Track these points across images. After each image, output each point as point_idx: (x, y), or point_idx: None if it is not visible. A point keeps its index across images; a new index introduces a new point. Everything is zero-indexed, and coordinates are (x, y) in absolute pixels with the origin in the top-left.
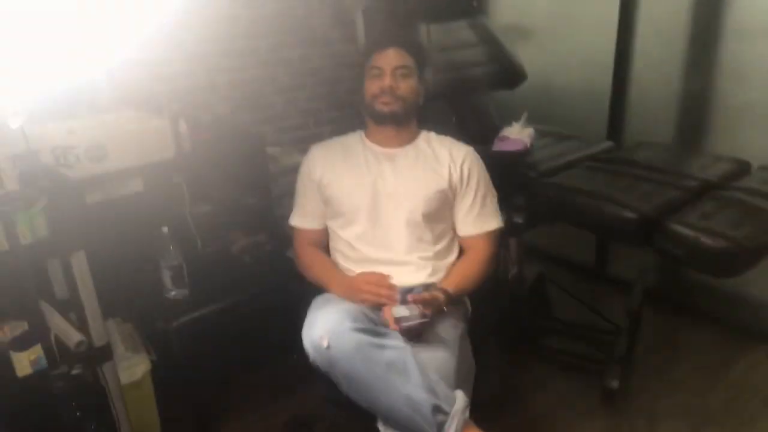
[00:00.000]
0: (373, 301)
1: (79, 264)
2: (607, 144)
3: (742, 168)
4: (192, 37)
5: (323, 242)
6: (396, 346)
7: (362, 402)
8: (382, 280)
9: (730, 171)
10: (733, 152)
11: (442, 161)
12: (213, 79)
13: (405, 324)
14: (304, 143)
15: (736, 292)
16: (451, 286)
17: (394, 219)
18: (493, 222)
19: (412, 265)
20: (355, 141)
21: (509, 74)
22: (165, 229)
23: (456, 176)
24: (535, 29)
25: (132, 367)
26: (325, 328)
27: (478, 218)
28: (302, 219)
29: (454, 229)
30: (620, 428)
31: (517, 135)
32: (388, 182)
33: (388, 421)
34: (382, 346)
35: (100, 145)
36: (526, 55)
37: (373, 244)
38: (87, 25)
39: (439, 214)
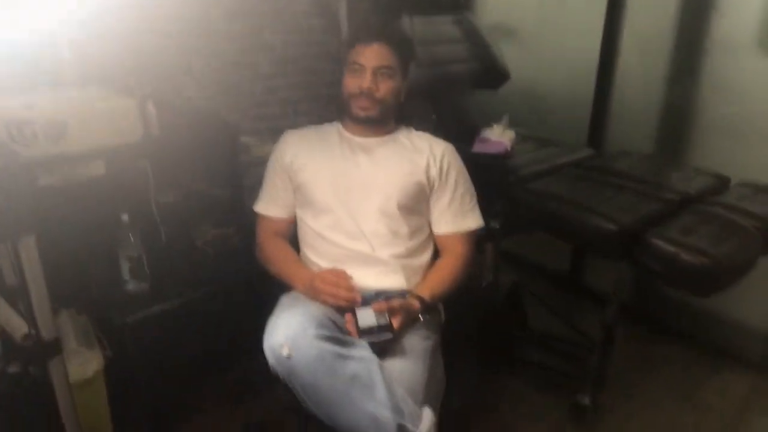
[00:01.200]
0: (332, 303)
1: (28, 250)
2: (588, 151)
3: (722, 183)
4: (167, 13)
5: (289, 234)
6: (362, 357)
7: (322, 416)
8: (340, 279)
9: (710, 185)
10: (712, 165)
11: (421, 153)
12: (188, 60)
13: (368, 339)
14: (281, 134)
15: (712, 312)
16: (426, 293)
17: (368, 208)
18: (471, 221)
19: (383, 265)
20: (331, 130)
21: (492, 73)
22: (125, 217)
23: (434, 170)
24: (521, 31)
25: (84, 364)
26: (287, 334)
27: (456, 216)
28: (269, 206)
29: (430, 227)
30: None
31: (498, 137)
32: (364, 171)
33: None
34: (346, 357)
35: (60, 122)
36: (510, 56)
37: (346, 233)
38: None
39: (414, 206)
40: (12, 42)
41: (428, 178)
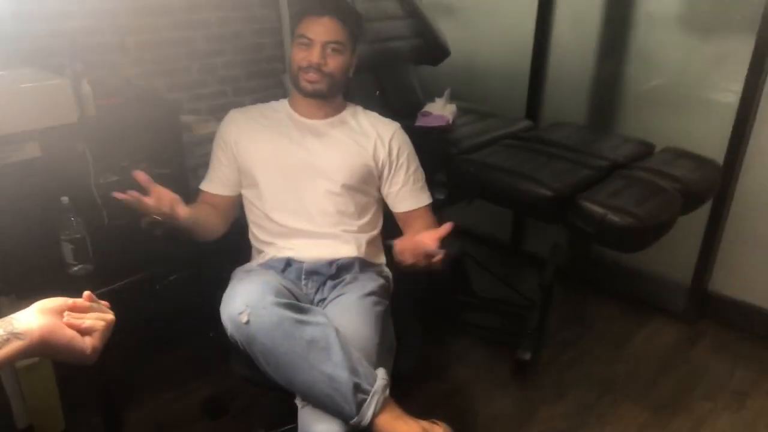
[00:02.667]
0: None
1: None
2: (526, 123)
3: (647, 149)
4: None
5: (227, 212)
6: (318, 322)
7: (280, 380)
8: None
9: (636, 152)
10: (639, 134)
11: (369, 136)
12: (122, 39)
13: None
14: (221, 112)
15: (638, 270)
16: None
17: (314, 189)
18: (426, 196)
19: (337, 238)
20: (278, 109)
21: (433, 49)
22: (65, 199)
23: (383, 153)
24: (460, 8)
25: None
26: (246, 302)
27: (413, 193)
28: (210, 183)
29: (377, 204)
30: (531, 397)
31: (440, 111)
32: (310, 153)
33: (306, 399)
34: (304, 323)
35: None
36: (449, 33)
37: (292, 213)
38: None
39: (360, 187)
40: None
41: (375, 160)
